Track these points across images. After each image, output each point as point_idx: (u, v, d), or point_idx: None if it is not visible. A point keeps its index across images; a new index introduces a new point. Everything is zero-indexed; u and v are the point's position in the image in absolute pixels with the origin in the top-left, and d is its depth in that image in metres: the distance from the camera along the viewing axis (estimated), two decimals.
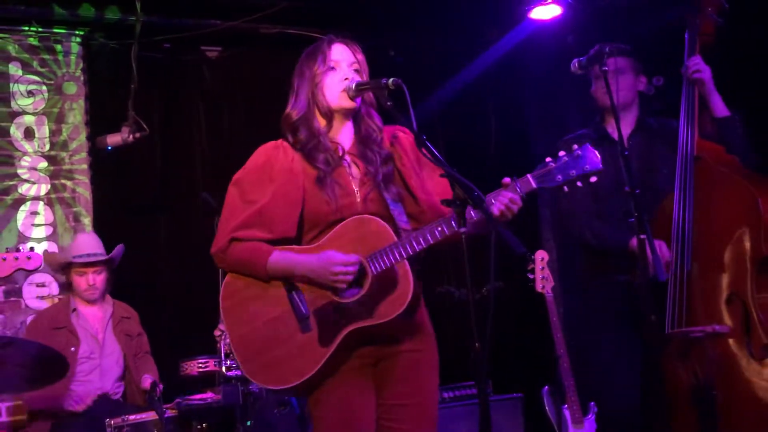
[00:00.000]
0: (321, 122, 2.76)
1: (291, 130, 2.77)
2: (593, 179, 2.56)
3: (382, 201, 2.74)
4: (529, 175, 2.59)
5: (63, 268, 4.72)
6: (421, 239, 2.59)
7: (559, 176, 2.57)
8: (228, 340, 2.80)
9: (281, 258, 2.66)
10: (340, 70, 2.74)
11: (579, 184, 2.56)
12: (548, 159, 2.59)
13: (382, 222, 2.66)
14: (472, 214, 2.51)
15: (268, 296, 2.69)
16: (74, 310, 4.65)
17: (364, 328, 2.62)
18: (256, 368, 2.69)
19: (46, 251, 5.06)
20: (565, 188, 2.58)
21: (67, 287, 4.77)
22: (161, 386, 4.37)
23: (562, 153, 2.57)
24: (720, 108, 3.68)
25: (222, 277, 2.82)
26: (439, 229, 2.59)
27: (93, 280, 4.62)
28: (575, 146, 2.57)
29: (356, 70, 2.75)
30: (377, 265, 2.60)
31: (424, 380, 2.78)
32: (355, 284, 2.61)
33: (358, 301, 2.60)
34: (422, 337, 2.79)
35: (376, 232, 2.64)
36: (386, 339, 2.71)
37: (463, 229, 2.43)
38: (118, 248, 4.74)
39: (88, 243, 4.73)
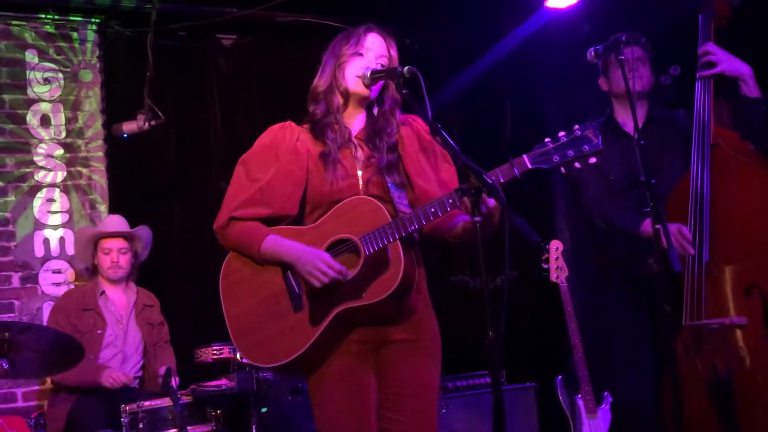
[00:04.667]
0: (339, 100, 2.80)
1: (314, 101, 2.83)
2: (592, 160, 2.51)
3: (383, 185, 2.75)
4: (525, 156, 2.54)
5: (90, 246, 4.74)
6: (414, 220, 2.58)
7: (556, 156, 2.52)
8: None
9: (274, 243, 2.70)
10: (366, 59, 2.76)
11: (577, 165, 2.51)
12: (547, 139, 2.54)
13: (377, 203, 2.66)
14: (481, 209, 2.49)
15: (264, 276, 2.72)
16: (102, 293, 4.69)
17: (356, 310, 2.61)
18: (248, 345, 2.73)
19: (79, 228, 5.11)
20: (563, 169, 2.56)
21: (92, 271, 4.80)
22: (177, 379, 4.32)
23: (561, 133, 2.53)
24: (751, 88, 3.53)
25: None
26: (432, 210, 2.57)
27: (117, 258, 4.69)
28: (576, 127, 2.53)
29: (382, 65, 2.77)
30: (371, 245, 2.60)
31: (420, 370, 2.75)
32: (350, 264, 2.61)
33: (351, 281, 2.60)
34: (420, 326, 2.76)
35: (371, 213, 2.64)
36: (384, 323, 2.70)
37: (477, 218, 2.43)
38: (144, 229, 4.80)
39: (116, 222, 4.83)
